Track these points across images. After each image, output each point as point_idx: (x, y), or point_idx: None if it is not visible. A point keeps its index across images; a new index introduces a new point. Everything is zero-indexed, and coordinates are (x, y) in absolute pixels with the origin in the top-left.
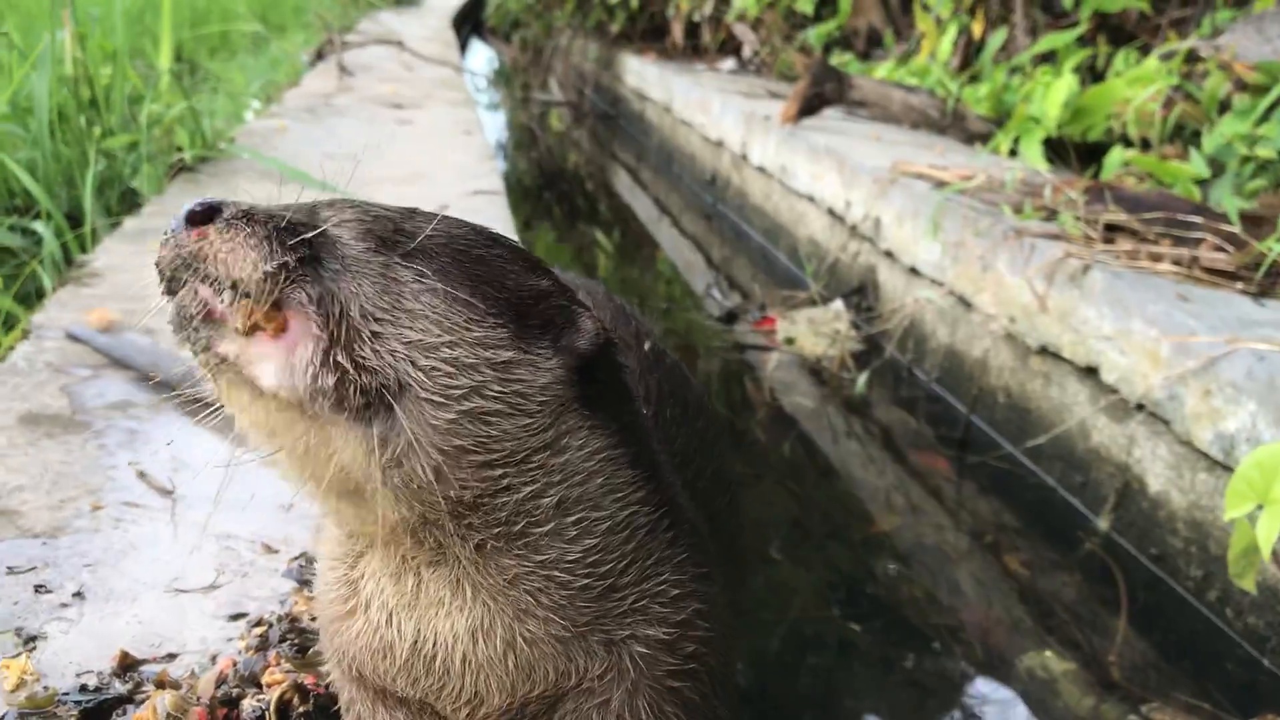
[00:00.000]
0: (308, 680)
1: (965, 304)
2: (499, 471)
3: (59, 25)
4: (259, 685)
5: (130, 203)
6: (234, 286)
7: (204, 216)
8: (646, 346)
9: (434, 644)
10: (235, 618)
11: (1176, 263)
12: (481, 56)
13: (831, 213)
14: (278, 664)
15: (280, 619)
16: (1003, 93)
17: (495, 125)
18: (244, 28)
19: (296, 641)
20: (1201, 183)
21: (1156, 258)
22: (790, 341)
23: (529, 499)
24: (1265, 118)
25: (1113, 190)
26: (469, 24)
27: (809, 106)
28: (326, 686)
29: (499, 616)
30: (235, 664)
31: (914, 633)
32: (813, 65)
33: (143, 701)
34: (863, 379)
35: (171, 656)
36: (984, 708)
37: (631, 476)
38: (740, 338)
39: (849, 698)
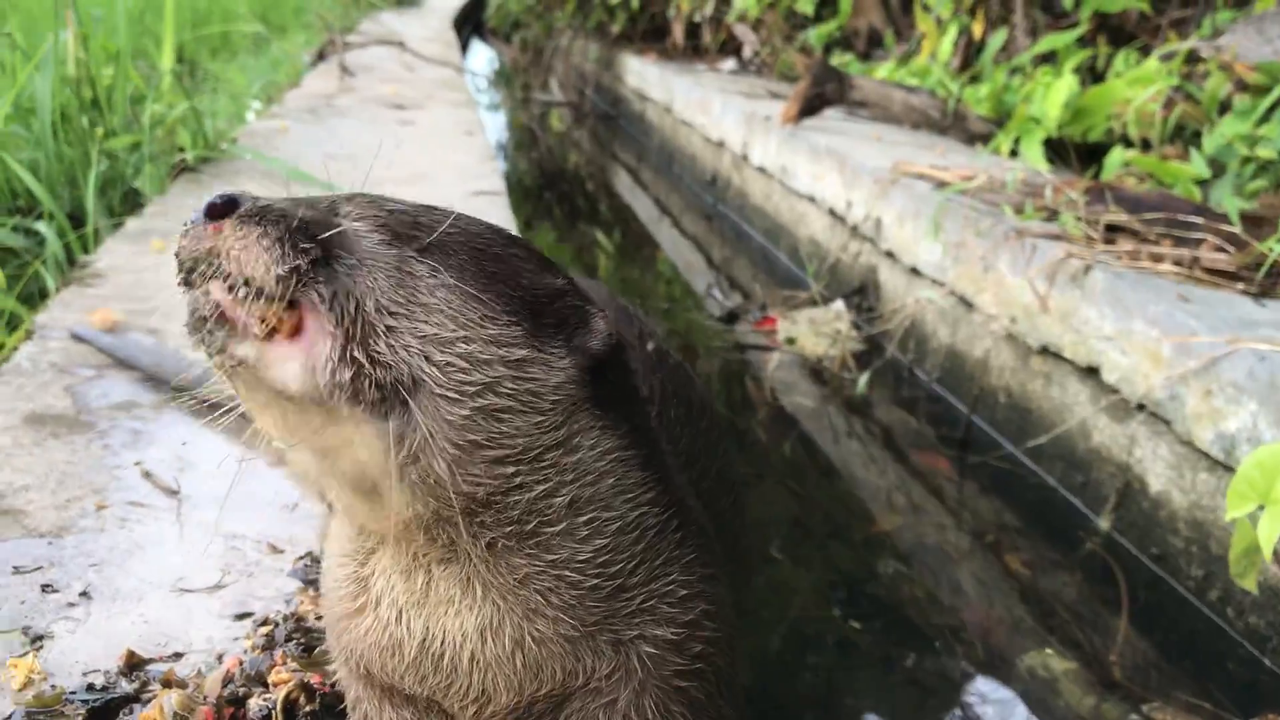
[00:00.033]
0: (314, 679)
1: (966, 304)
2: (512, 469)
3: (62, 26)
4: (265, 684)
5: (133, 203)
6: (247, 284)
7: (222, 210)
8: (650, 347)
9: (442, 642)
10: (241, 617)
11: (1177, 263)
12: (482, 57)
13: (832, 213)
14: (284, 663)
15: (286, 618)
16: (1003, 93)
17: (496, 126)
18: (245, 28)
19: (302, 641)
20: (1202, 183)
21: (1157, 258)
22: (791, 341)
23: (541, 498)
24: (1266, 118)
25: (1113, 191)
26: (470, 25)
27: (810, 107)
28: (333, 685)
29: (508, 615)
30: (241, 663)
31: (915, 632)
32: (813, 66)
33: (149, 700)
34: (864, 379)
35: (178, 656)
36: (985, 707)
37: (642, 478)
38: (741, 338)
39: (850, 697)
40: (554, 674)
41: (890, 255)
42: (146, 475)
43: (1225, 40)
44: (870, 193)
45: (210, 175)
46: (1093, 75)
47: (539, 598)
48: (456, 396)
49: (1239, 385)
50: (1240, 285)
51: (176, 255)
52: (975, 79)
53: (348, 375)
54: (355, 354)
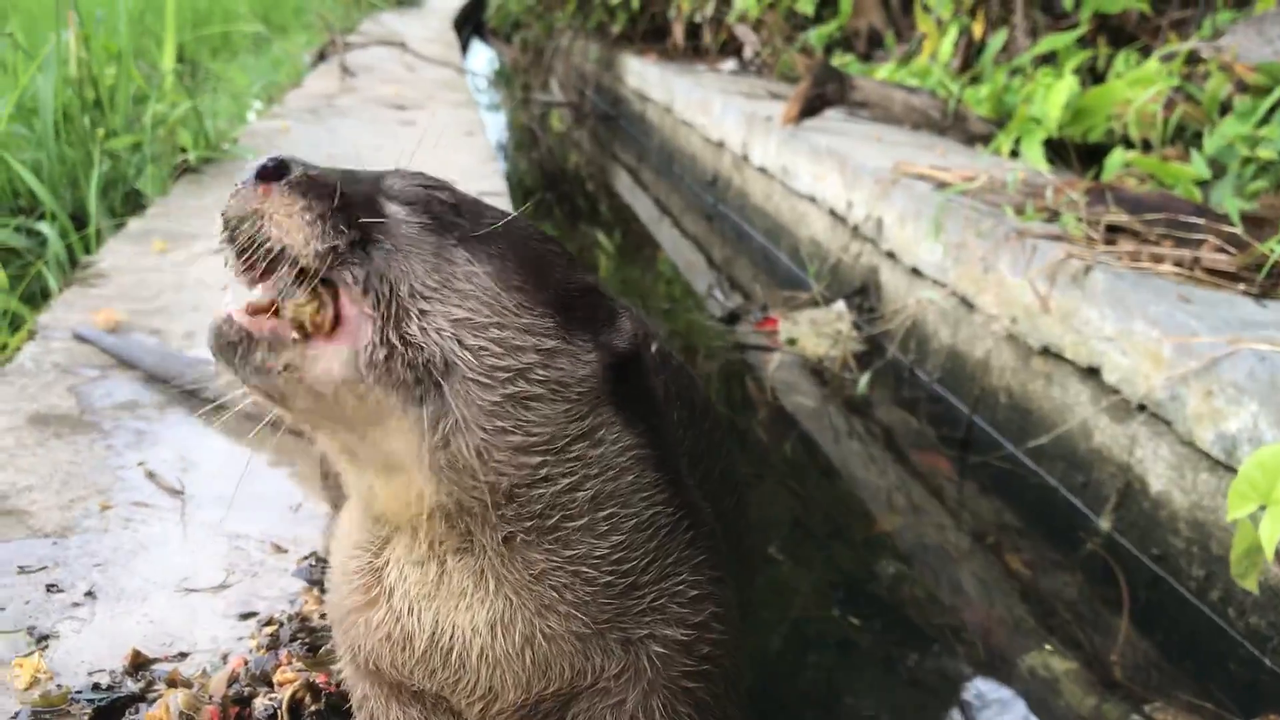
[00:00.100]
0: (319, 679)
1: (967, 305)
2: (538, 459)
3: (63, 26)
4: (270, 684)
5: (135, 204)
6: (283, 252)
7: (274, 173)
8: (653, 348)
9: (452, 635)
10: (246, 617)
11: (1178, 264)
12: (483, 57)
13: (833, 213)
14: (289, 663)
15: (291, 618)
16: (1004, 94)
17: (497, 126)
18: (246, 28)
19: (307, 640)
20: (1203, 184)
21: (1158, 259)
22: (792, 342)
23: (566, 491)
24: (1266, 119)
25: (1114, 191)
26: (470, 25)
27: (810, 107)
28: (338, 685)
29: (520, 611)
30: (247, 663)
31: (915, 632)
32: (814, 66)
33: (155, 700)
34: (864, 379)
35: (183, 655)
36: (985, 707)
37: (656, 478)
38: (742, 338)
39: (850, 697)
40: (562, 672)
41: (891, 256)
42: (150, 475)
43: (1226, 41)
44: (871, 193)
45: (212, 176)
46: (1093, 76)
47: (553, 593)
48: (488, 381)
49: (1240, 386)
50: (1241, 286)
51: (223, 214)
52: (976, 80)
53: (382, 355)
54: (390, 336)
